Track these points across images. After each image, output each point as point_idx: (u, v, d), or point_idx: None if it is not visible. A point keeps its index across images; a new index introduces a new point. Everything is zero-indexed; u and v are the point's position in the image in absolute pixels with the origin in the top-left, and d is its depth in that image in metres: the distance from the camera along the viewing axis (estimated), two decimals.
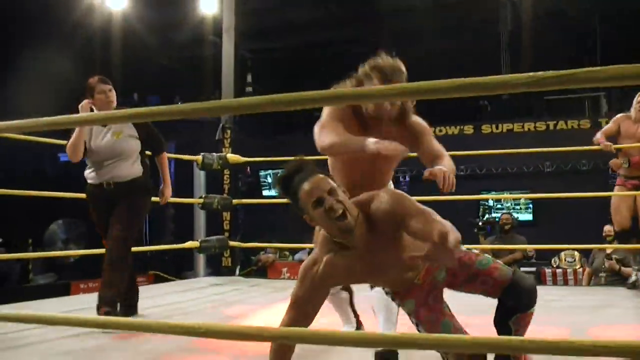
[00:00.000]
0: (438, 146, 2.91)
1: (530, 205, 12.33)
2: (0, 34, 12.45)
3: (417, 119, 2.98)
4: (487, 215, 8.19)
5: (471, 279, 2.40)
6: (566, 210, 10.39)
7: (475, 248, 7.43)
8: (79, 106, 4.10)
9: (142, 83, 15.85)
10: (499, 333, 2.34)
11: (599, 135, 5.76)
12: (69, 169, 15.54)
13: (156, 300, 5.43)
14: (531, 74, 1.40)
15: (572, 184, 10.33)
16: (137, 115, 2.53)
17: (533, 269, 9.19)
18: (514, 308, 2.33)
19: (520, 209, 12.57)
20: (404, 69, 2.85)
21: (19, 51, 12.60)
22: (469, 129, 12.21)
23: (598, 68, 1.36)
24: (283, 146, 11.04)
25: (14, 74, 12.47)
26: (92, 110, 4.13)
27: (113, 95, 4.22)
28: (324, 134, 2.86)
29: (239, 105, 2.15)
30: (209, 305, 5.13)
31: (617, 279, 6.96)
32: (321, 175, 2.33)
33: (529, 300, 2.34)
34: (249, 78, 16.16)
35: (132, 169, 4.31)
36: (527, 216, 12.45)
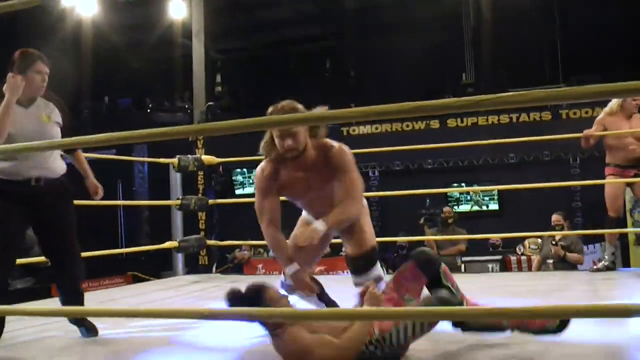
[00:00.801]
0: (350, 187, 3.37)
1: (496, 196, 12.70)
2: None
3: (338, 153, 3.39)
4: (432, 210, 8.52)
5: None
6: (530, 200, 10.76)
7: (421, 239, 7.74)
8: (8, 80, 3.34)
9: (113, 86, 15.98)
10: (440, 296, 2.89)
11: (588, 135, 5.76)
12: None
13: (140, 298, 5.67)
14: (468, 98, 1.67)
15: (536, 174, 10.73)
16: (118, 138, 2.41)
17: (499, 257, 9.55)
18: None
19: (487, 199, 12.95)
20: (295, 109, 3.29)
21: None
22: (435, 124, 12.50)
23: (528, 92, 1.64)
24: (252, 143, 11.25)
25: None
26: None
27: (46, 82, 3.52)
28: (261, 221, 3.46)
29: (214, 127, 2.42)
30: (192, 300, 5.37)
31: (563, 265, 7.07)
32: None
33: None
34: (218, 78, 16.35)
35: (60, 163, 3.67)
36: (494, 206, 12.83)
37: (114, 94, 16.08)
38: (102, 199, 4.09)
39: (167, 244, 6.86)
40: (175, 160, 6.79)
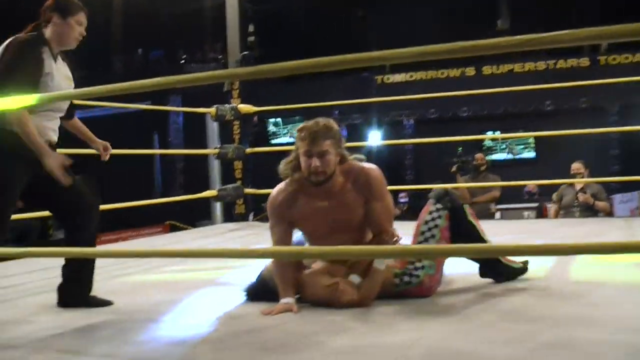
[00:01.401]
0: (383, 219, 3.00)
1: (532, 144, 12.61)
2: None
3: (369, 177, 3.02)
4: (464, 157, 8.37)
5: None
6: (567, 148, 10.66)
7: (454, 187, 7.65)
8: (54, 23, 3.03)
9: (145, 39, 16.00)
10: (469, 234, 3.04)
11: None
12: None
13: (183, 245, 5.77)
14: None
15: (572, 122, 10.60)
16: (153, 85, 2.30)
17: (536, 204, 9.51)
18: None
19: (522, 147, 12.87)
20: (329, 129, 2.91)
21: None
22: (470, 71, 12.40)
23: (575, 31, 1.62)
24: (288, 94, 11.27)
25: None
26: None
27: None
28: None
29: (245, 72, 2.43)
30: (234, 246, 5.45)
31: (590, 214, 6.94)
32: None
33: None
34: (251, 28, 16.26)
35: None
36: (530, 154, 12.74)
37: (146, 47, 16.11)
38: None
39: (206, 193, 6.94)
40: (212, 109, 6.81)
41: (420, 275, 2.95)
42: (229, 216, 7.69)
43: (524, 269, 3.24)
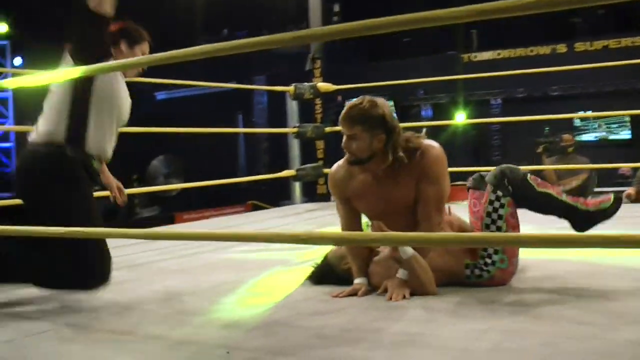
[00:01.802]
0: (431, 206, 2.77)
1: (629, 124, 12.01)
2: None
3: (425, 158, 2.79)
4: (550, 137, 7.91)
5: None
6: None
7: (540, 169, 7.26)
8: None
9: (231, 19, 16.07)
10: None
11: None
12: (166, 108, 16.17)
13: (255, 225, 5.74)
14: None
15: None
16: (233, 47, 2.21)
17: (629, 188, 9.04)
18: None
19: (617, 126, 12.29)
20: (365, 113, 2.72)
21: None
22: (561, 48, 11.90)
23: None
24: (373, 73, 11.11)
25: None
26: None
27: None
28: (341, 225, 3.01)
29: (322, 33, 2.29)
30: (308, 226, 5.37)
31: None
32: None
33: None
34: (336, 8, 16.11)
35: None
36: (626, 134, 12.15)
37: (231, 27, 16.19)
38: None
39: (284, 173, 6.88)
40: (291, 88, 6.73)
41: (492, 271, 2.77)
42: (311, 197, 7.63)
43: (612, 207, 2.87)
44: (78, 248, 2.61)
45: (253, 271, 3.39)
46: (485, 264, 2.77)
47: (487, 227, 2.81)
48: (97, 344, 2.24)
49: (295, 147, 7.51)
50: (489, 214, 2.81)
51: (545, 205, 2.85)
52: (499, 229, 2.78)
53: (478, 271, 2.78)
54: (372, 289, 2.76)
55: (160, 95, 15.92)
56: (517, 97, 12.24)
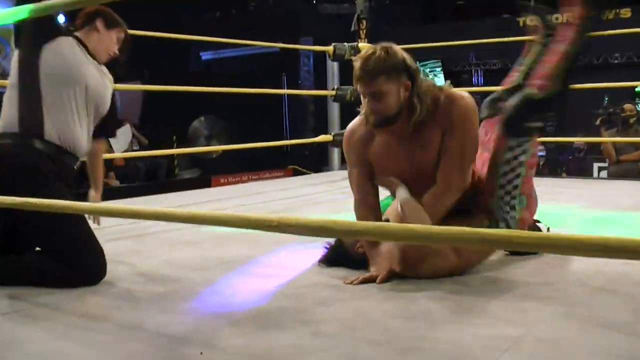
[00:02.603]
0: (452, 167, 2.41)
1: None
2: None
3: (452, 108, 2.41)
4: (611, 109, 7.31)
5: None
6: None
7: (598, 141, 6.70)
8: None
9: None
10: None
11: None
12: (210, 67, 15.88)
13: (286, 192, 5.42)
14: None
15: None
16: None
17: None
18: None
19: None
20: (384, 60, 2.35)
21: None
22: (626, 13, 11.16)
23: None
24: (424, 35, 10.63)
25: None
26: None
27: None
28: (353, 193, 2.65)
29: None
30: (336, 197, 5.03)
31: None
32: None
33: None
34: None
35: None
36: None
37: None
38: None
39: (320, 138, 6.54)
40: (330, 48, 6.36)
41: (516, 216, 2.50)
42: None
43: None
44: (69, 249, 2.36)
45: (266, 247, 3.07)
46: (507, 211, 2.50)
47: (504, 175, 2.51)
48: (60, 330, 1.94)
49: (334, 110, 7.14)
50: (507, 162, 2.50)
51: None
52: (517, 176, 2.51)
53: (503, 224, 2.49)
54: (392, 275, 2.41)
55: (206, 56, 15.62)
56: (576, 65, 11.59)
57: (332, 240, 2.63)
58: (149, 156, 9.84)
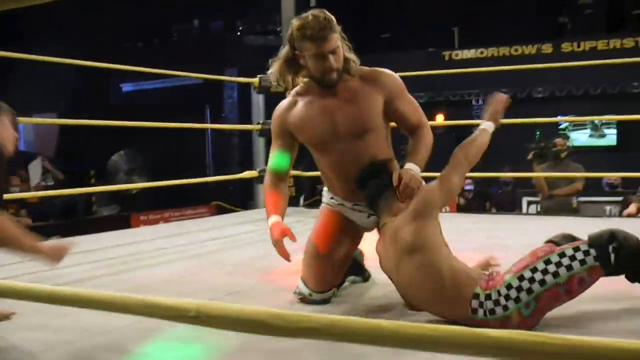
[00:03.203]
0: (416, 117, 2.66)
1: (615, 129, 11.49)
2: None
3: (382, 74, 2.65)
4: (542, 143, 7.30)
5: None
6: None
7: (528, 177, 6.60)
8: None
9: (204, 9, 15.39)
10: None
11: None
12: (131, 99, 15.41)
13: (211, 232, 5.11)
14: None
15: None
16: None
17: (619, 198, 8.49)
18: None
19: (603, 134, 11.76)
20: (332, 19, 2.53)
21: None
22: (547, 48, 11.33)
23: None
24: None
25: None
26: None
27: None
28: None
29: None
30: (262, 238, 4.73)
31: None
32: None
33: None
34: (313, 2, 15.52)
35: None
36: (611, 140, 11.62)
37: (205, 18, 15.52)
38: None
39: (245, 174, 6.24)
40: (255, 79, 6.09)
41: (510, 309, 2.09)
42: None
43: None
44: None
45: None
46: (507, 297, 2.10)
47: (545, 262, 2.12)
48: None
49: (260, 145, 6.85)
50: (561, 255, 2.12)
51: None
52: (556, 275, 2.09)
53: (491, 304, 2.10)
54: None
55: (127, 87, 15.17)
56: None
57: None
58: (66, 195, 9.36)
